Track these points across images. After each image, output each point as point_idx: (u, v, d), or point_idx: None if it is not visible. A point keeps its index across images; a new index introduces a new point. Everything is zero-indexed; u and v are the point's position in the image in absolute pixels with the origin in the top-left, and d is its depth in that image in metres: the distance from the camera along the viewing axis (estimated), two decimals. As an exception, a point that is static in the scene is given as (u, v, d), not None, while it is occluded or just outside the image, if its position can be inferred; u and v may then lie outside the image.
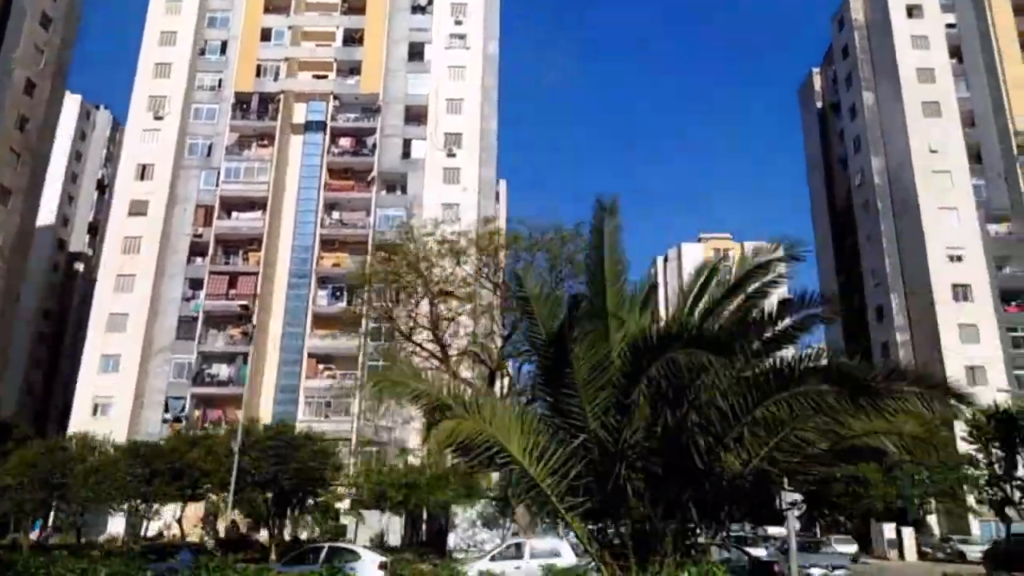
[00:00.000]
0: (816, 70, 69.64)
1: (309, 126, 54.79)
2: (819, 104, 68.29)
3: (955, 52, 56.33)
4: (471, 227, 51.16)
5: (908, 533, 38.61)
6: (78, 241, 78.64)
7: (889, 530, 39.33)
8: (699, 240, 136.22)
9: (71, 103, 76.21)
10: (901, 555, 38.11)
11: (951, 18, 56.91)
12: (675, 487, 8.05)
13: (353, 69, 55.38)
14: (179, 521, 35.74)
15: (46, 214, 73.45)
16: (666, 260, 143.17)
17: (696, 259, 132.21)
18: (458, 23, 56.06)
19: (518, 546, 19.83)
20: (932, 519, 48.91)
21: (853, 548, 37.32)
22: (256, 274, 50.03)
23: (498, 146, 56.08)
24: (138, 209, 50.81)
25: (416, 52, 56.23)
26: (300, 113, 55.41)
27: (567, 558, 17.60)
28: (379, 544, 34.36)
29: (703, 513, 8.18)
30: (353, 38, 56.02)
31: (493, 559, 18.76)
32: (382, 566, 18.14)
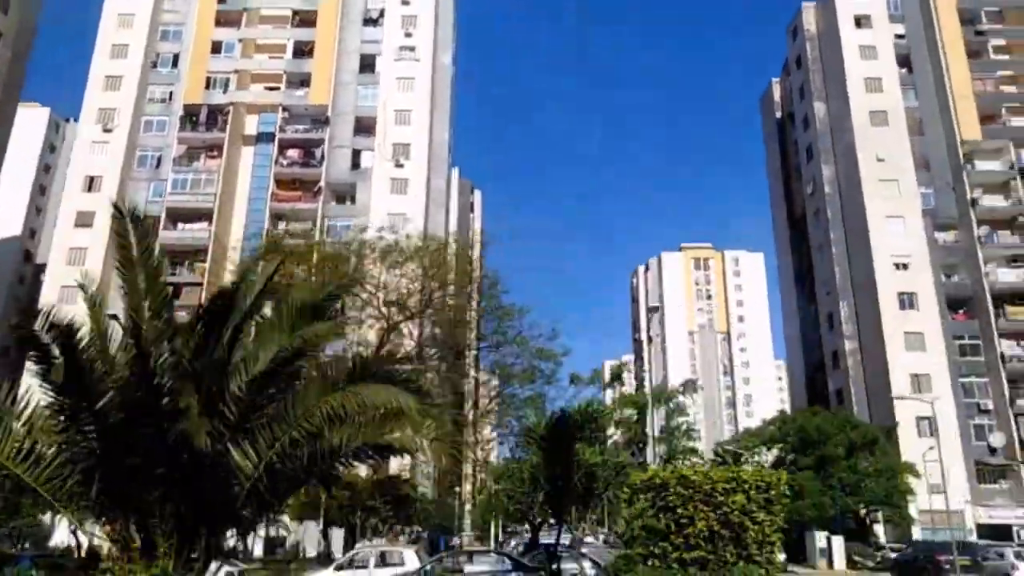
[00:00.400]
0: (776, 80, 69.82)
1: (260, 138, 55.01)
2: (778, 114, 68.41)
3: (904, 62, 56.48)
4: (416, 236, 51.53)
5: (837, 542, 38.25)
6: (45, 253, 78.82)
7: (821, 539, 39.00)
8: (679, 249, 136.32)
9: (39, 116, 76.82)
10: (830, 564, 37.75)
11: (900, 29, 57.10)
12: (169, 485, 7.88)
13: (303, 81, 55.66)
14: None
15: (12, 226, 73.77)
16: (647, 269, 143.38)
17: (676, 268, 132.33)
18: (408, 35, 56.35)
19: (381, 555, 19.65)
20: (880, 528, 48.62)
21: (780, 557, 37.01)
22: (201, 284, 50.00)
23: (458, 154, 56.27)
24: (84, 220, 50.90)
25: (367, 64, 56.52)
26: (252, 125, 55.67)
27: (410, 565, 17.44)
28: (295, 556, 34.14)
29: (207, 514, 7.95)
30: (304, 51, 56.34)
31: (339, 568, 18.59)
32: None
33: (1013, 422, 47.18)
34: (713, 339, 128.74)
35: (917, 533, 45.06)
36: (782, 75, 68.89)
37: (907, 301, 49.85)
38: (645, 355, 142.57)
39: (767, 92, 70.89)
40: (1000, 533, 44.08)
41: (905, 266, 50.59)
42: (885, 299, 49.84)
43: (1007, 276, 51.04)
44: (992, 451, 47.46)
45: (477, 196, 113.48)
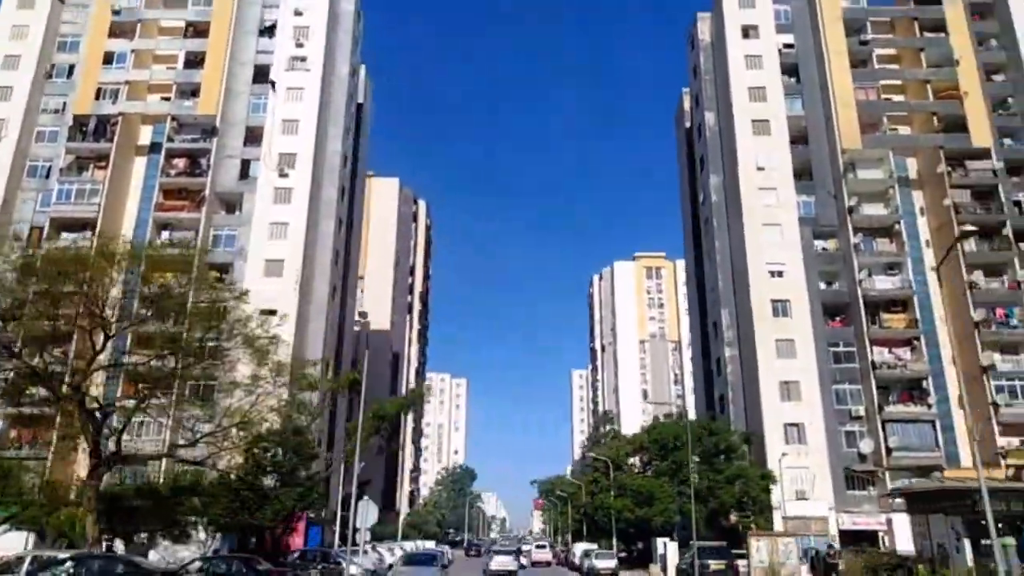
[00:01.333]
0: (686, 90, 70.38)
1: (153, 148, 55.32)
2: (688, 124, 68.95)
3: (793, 71, 57.06)
4: (299, 245, 51.83)
5: (672, 547, 38.38)
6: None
7: (661, 545, 39.18)
8: (633, 259, 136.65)
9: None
10: (664, 568, 37.90)
11: (789, 38, 57.69)
12: None
13: (194, 91, 56.00)
14: None
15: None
16: (601, 278, 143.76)
17: (628, 277, 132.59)
18: (299, 46, 56.80)
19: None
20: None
21: (612, 563, 37.23)
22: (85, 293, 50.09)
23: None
24: (-34, 231, 51.07)
25: (261, 75, 56.89)
26: (147, 135, 56.03)
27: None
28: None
29: None
30: (195, 61, 56.74)
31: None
32: None
33: (881, 429, 47.34)
34: (664, 348, 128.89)
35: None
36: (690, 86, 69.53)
37: (780, 308, 50.15)
38: (599, 364, 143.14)
39: (679, 103, 71.45)
40: (863, 539, 44.35)
41: (780, 274, 50.94)
42: (758, 306, 50.16)
43: (883, 283, 51.35)
44: (862, 458, 47.63)
45: (422, 207, 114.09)
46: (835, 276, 52.22)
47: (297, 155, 53.98)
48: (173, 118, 55.10)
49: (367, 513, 21.91)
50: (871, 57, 56.30)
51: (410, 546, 54.78)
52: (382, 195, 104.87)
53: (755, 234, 51.73)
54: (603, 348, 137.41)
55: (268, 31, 58.23)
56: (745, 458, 45.66)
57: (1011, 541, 18.69)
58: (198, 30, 57.78)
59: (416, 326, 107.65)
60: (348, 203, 61.48)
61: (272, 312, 49.81)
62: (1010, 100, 55.54)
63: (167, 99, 56.56)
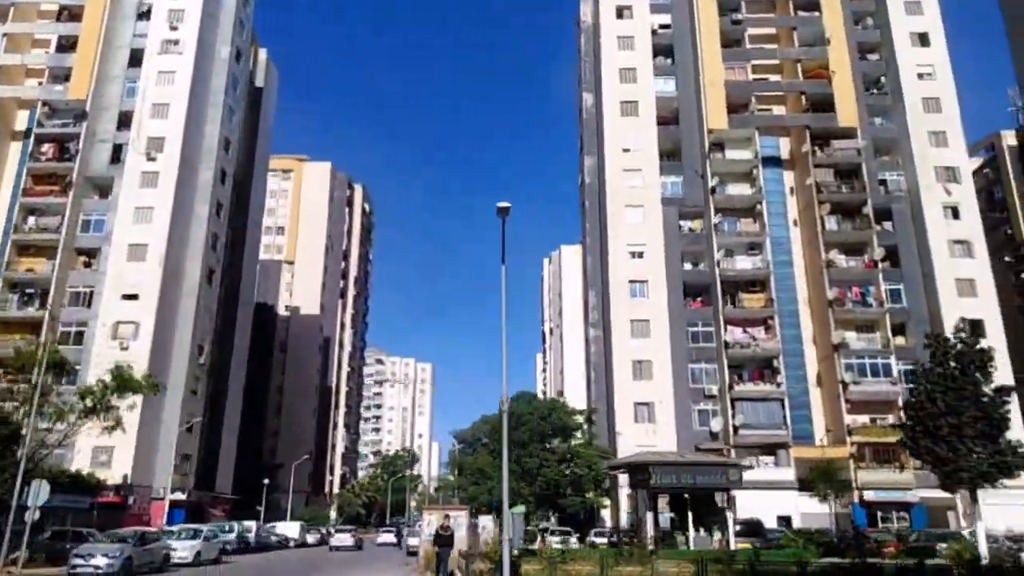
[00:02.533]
0: (585, 72, 70.22)
1: (27, 133, 55.34)
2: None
3: (669, 52, 57.00)
4: (163, 229, 51.93)
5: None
6: None
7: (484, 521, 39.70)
8: (579, 242, 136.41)
9: None
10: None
11: (666, 18, 57.59)
12: None
13: (67, 76, 55.83)
14: None
15: None
16: (550, 262, 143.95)
17: (573, 260, 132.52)
18: (173, 29, 56.62)
19: None
20: (606, 513, 49.53)
21: (417, 540, 37.87)
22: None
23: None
24: None
25: (137, 59, 56.76)
26: (24, 120, 56.09)
27: None
28: None
29: None
30: (68, 45, 56.57)
31: None
32: None
33: (729, 407, 47.86)
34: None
35: (624, 519, 45.85)
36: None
37: (639, 289, 50.50)
38: (547, 347, 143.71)
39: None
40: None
41: (641, 255, 51.24)
42: (616, 287, 50.54)
43: (743, 263, 51.74)
44: (713, 436, 48.20)
45: (358, 191, 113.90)
46: (701, 256, 52.52)
47: (166, 139, 53.94)
48: (45, 103, 54.98)
49: (39, 491, 22.21)
50: (744, 36, 56.27)
51: (282, 527, 55.35)
52: (314, 179, 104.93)
53: (618, 215, 52.00)
54: (551, 332, 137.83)
55: (146, 15, 58.01)
56: (589, 437, 46.18)
57: (520, 509, 19.08)
58: (72, 14, 57.55)
59: (350, 310, 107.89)
60: (233, 187, 61.46)
61: (134, 296, 50.84)
62: (883, 79, 55.69)
63: (41, 83, 56.46)
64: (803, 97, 54.49)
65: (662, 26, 57.36)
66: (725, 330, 49.49)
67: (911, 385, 47.51)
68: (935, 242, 50.33)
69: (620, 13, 56.80)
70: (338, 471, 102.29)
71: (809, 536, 27.74)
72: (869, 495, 45.58)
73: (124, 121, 55.32)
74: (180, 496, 49.98)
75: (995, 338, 48.34)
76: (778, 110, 56.04)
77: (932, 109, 53.46)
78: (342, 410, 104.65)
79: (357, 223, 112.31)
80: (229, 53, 59.93)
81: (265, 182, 73.67)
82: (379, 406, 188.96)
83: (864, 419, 48.02)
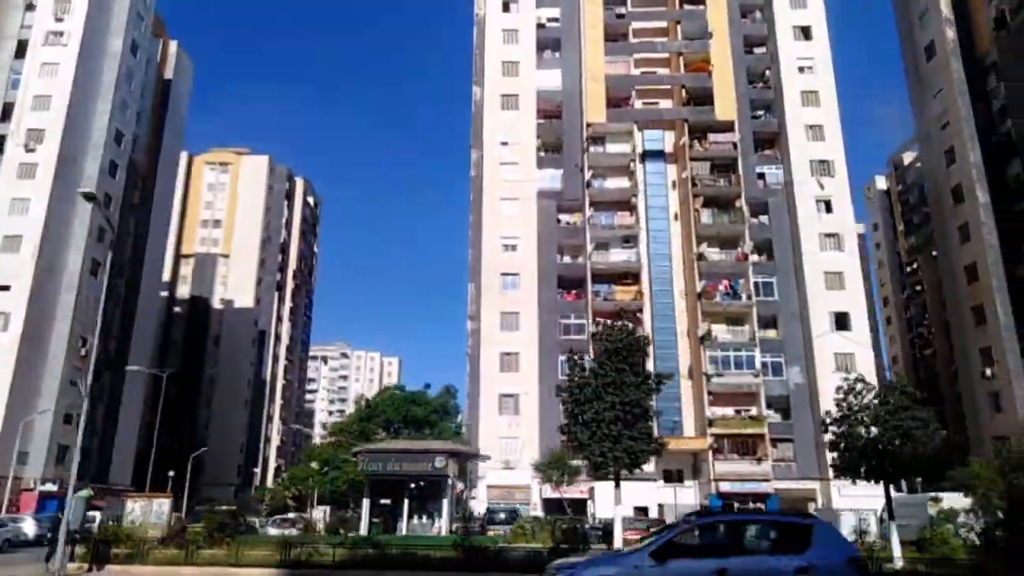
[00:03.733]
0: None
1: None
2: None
3: (557, 45, 57.08)
4: (39, 221, 51.96)
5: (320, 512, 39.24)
6: None
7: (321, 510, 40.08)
8: None
9: None
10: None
11: (555, 12, 57.59)
12: None
13: (-50, 68, 55.76)
14: None
15: None
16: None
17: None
18: (58, 20, 56.52)
19: None
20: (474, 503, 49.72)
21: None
22: None
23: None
24: None
25: (23, 50, 56.68)
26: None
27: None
28: None
29: None
30: (-49, 37, 56.47)
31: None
32: None
33: (594, 399, 48.08)
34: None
35: (482, 507, 46.16)
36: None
37: (510, 282, 50.72)
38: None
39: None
40: (571, 506, 45.28)
41: (514, 247, 51.44)
42: (489, 279, 50.75)
43: (618, 256, 51.99)
44: (579, 427, 48.40)
45: (299, 184, 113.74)
46: (578, 249, 52.72)
47: (46, 131, 53.89)
48: (-82, 96, 54.89)
49: None
50: (629, 31, 56.41)
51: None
52: (251, 173, 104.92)
53: (493, 208, 52.17)
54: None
55: (33, 5, 57.89)
56: (453, 429, 46.53)
57: (85, 493, 19.29)
58: (-41, 5, 57.42)
59: (289, 304, 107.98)
60: (136, 180, 61.50)
61: (5, 288, 50.88)
62: (767, 72, 55.89)
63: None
64: (684, 91, 54.66)
65: (550, 19, 57.40)
66: (594, 322, 49.72)
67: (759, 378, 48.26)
68: (806, 235, 50.63)
69: (506, 6, 56.88)
70: (272, 464, 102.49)
71: (552, 523, 28.31)
72: (725, 486, 45.95)
73: (7, 112, 55.29)
74: (52, 488, 50.08)
75: (860, 330, 49.06)
76: (666, 104, 56.18)
77: (811, 103, 53.71)
78: (278, 403, 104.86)
79: (298, 216, 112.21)
80: (122, 45, 59.80)
81: (174, 175, 73.66)
82: (344, 400, 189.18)
83: (729, 411, 48.43)
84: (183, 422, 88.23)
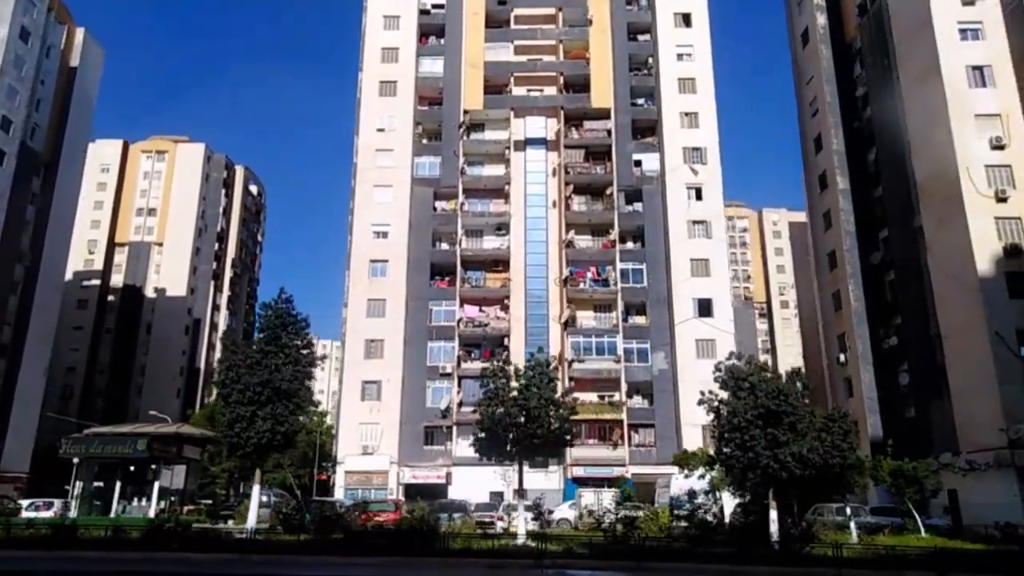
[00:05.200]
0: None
1: None
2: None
3: (442, 32, 57.00)
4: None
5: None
6: None
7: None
8: None
9: None
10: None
11: (442, -1, 57.52)
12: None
13: None
14: None
15: None
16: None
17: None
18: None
19: None
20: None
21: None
22: None
23: None
24: None
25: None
26: None
27: None
28: None
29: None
30: None
31: None
32: None
33: (456, 385, 48.58)
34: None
35: (340, 493, 46.64)
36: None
37: (380, 269, 50.90)
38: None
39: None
40: (428, 491, 45.71)
41: (385, 235, 51.60)
42: (358, 266, 50.94)
43: (491, 243, 52.22)
44: (444, 413, 48.86)
45: (239, 172, 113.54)
46: (454, 237, 52.84)
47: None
48: None
49: None
50: (511, 17, 56.37)
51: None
52: (187, 161, 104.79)
53: (365, 195, 52.29)
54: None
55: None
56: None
57: None
58: None
59: (227, 292, 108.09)
60: (38, 168, 61.73)
61: None
62: (650, 60, 55.91)
63: None
64: (562, 78, 54.72)
65: (435, 6, 57.26)
66: (462, 309, 50.07)
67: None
68: (674, 222, 50.87)
69: (388, -8, 56.72)
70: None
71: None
72: (579, 471, 46.41)
73: None
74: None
75: (722, 316, 49.40)
76: (550, 91, 56.19)
77: (687, 90, 53.82)
78: (213, 393, 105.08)
79: (237, 205, 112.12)
80: (9, 31, 59.64)
81: (80, 163, 73.40)
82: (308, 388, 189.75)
83: (594, 396, 48.80)
84: (112, 411, 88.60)
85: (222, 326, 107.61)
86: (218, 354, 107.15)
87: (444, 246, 52.75)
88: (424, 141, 54.84)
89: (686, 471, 31.70)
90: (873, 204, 47.20)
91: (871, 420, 43.57)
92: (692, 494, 28.71)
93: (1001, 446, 33.05)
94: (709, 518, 23.27)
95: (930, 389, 39.57)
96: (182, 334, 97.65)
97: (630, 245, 52.10)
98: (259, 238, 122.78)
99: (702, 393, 23.58)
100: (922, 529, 28.35)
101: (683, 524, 23.91)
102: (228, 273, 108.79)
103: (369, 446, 47.40)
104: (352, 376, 48.88)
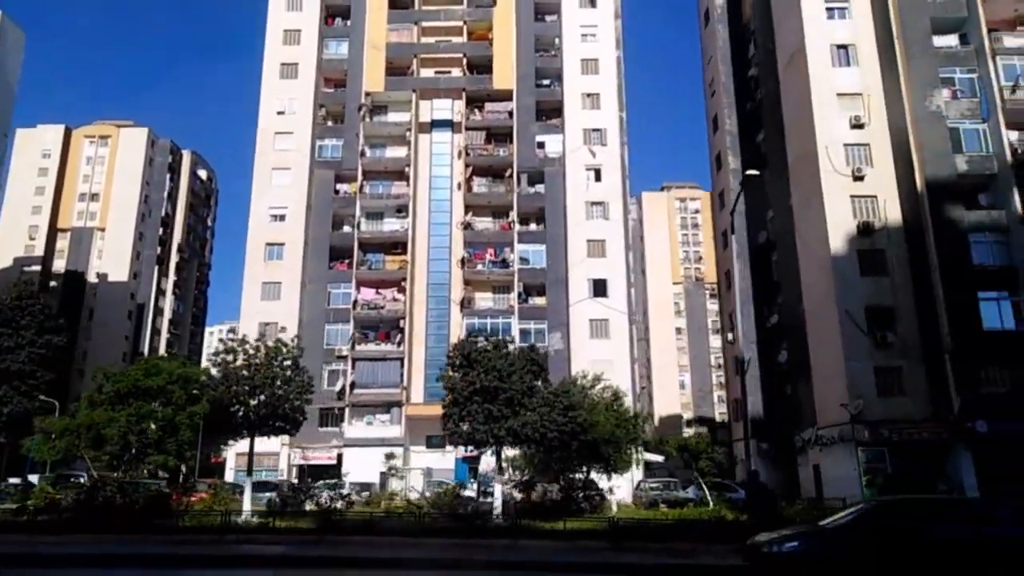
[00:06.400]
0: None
1: None
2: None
3: (347, 13, 56.54)
4: None
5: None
6: None
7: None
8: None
9: None
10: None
11: (345, -21, 56.94)
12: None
13: None
14: None
15: None
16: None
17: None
18: None
19: None
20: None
21: None
22: None
23: None
24: None
25: None
26: None
27: None
28: None
29: None
30: None
31: None
32: None
33: (351, 367, 48.74)
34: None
35: (230, 475, 46.84)
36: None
37: (276, 252, 50.77)
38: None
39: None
40: (320, 472, 45.98)
41: (283, 217, 51.44)
42: (254, 249, 50.79)
43: (392, 226, 52.17)
44: (339, 395, 49.03)
45: (186, 157, 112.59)
46: (355, 221, 52.74)
47: None
48: None
49: None
50: (415, -2, 55.97)
51: None
52: (130, 146, 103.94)
53: (265, 177, 52.04)
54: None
55: None
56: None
57: None
58: None
59: (172, 278, 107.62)
60: None
61: None
62: (557, 40, 55.66)
63: None
64: (466, 60, 54.47)
65: (341, -13, 56.75)
66: (359, 291, 50.11)
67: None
68: (573, 203, 50.95)
69: (292, -26, 56.13)
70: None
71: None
72: (463, 450, 46.69)
73: None
74: None
75: (617, 297, 49.68)
76: (457, 73, 55.91)
77: (590, 71, 53.71)
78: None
79: (184, 189, 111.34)
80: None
81: (2, 148, 72.81)
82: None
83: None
84: (53, 397, 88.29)
85: (168, 311, 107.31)
86: (164, 338, 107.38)
87: (346, 229, 52.64)
88: (329, 124, 54.56)
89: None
90: (763, 185, 47.31)
91: (752, 399, 43.89)
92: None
93: (846, 421, 33.53)
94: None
95: (801, 367, 40.02)
96: (125, 319, 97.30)
97: (533, 227, 52.14)
98: (209, 223, 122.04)
99: (443, 370, 24.72)
100: (711, 503, 28.63)
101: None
102: (174, 258, 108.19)
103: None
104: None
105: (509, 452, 27.58)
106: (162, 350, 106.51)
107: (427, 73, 55.43)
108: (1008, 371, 31.78)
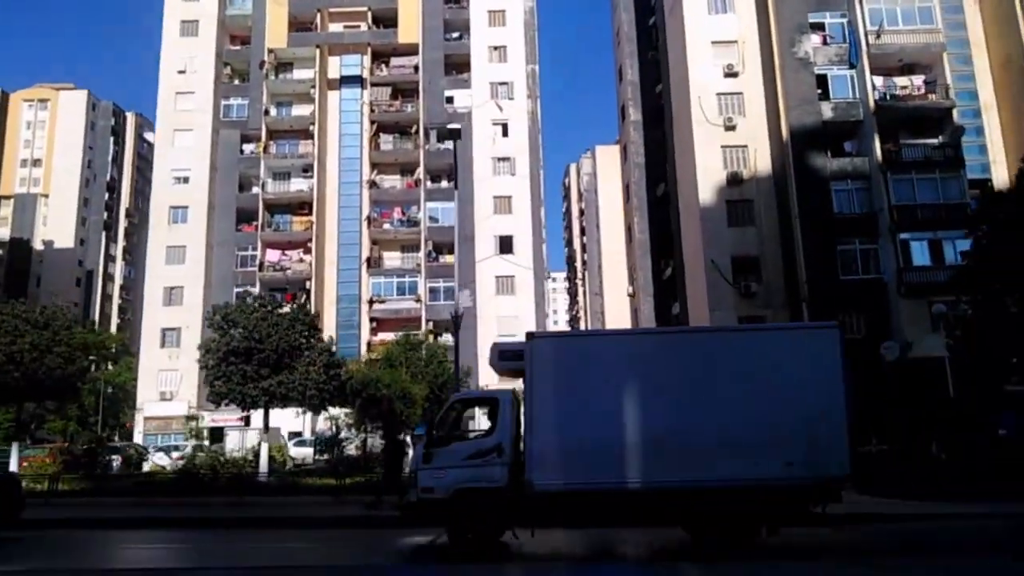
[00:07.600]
0: None
1: None
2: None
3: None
4: None
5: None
6: None
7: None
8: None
9: None
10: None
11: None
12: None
13: None
14: None
15: None
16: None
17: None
18: None
19: None
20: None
21: None
22: None
23: None
24: None
25: None
26: None
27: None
28: None
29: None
30: None
31: None
32: None
33: (257, 328, 48.81)
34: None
35: (139, 437, 47.35)
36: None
37: (180, 215, 50.43)
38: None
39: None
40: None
41: (186, 179, 50.92)
42: (157, 213, 50.52)
43: (298, 186, 51.74)
44: (249, 356, 49.22)
45: (131, 120, 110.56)
46: (251, 181, 52.16)
47: None
48: None
49: None
50: (320, -50, 54.47)
51: None
52: (71, 109, 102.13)
53: (166, 140, 51.54)
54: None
55: None
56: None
57: None
58: None
59: (122, 243, 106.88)
60: None
61: None
62: (468, -8, 54.47)
63: None
64: (370, 13, 53.38)
65: (248, -57, 55.14)
66: (264, 253, 49.99)
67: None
68: (479, 159, 50.59)
69: (193, -74, 54.43)
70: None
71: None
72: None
73: None
74: None
75: (523, 254, 49.75)
76: (365, 28, 54.81)
77: (497, 23, 52.78)
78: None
79: (130, 153, 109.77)
80: None
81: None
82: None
83: (394, 336, 49.26)
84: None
85: (119, 277, 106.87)
86: (116, 304, 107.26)
87: (254, 190, 52.15)
88: (236, 82, 53.64)
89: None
90: (664, 137, 47.03)
91: (647, 350, 44.45)
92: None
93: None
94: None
95: (686, 320, 40.37)
96: (73, 286, 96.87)
97: (443, 184, 51.78)
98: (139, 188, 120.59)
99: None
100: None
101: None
102: (123, 223, 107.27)
103: (167, 392, 47.87)
104: (151, 323, 49.03)
105: (335, 411, 28.09)
106: (114, 316, 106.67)
107: (336, 28, 54.38)
108: (864, 316, 32.15)
